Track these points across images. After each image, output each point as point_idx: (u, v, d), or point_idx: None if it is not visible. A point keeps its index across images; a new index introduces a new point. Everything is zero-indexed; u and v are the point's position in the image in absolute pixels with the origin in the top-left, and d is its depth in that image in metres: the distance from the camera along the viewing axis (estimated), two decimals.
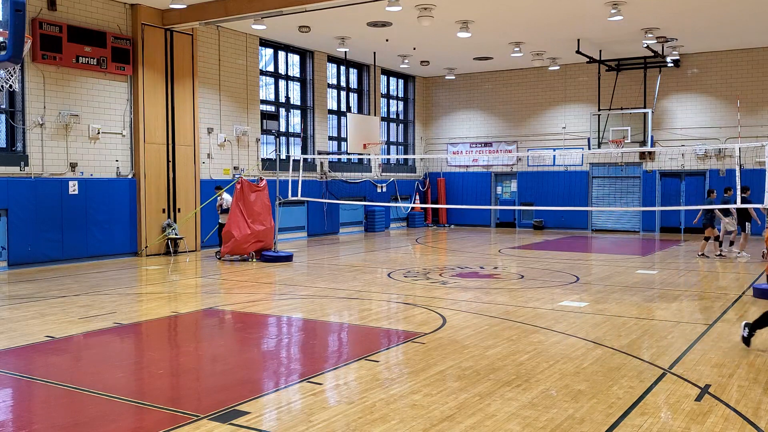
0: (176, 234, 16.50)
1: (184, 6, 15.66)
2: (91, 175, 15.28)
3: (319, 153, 21.97)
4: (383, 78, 25.21)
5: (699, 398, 5.70)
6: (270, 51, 20.57)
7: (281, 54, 20.88)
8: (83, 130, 15.11)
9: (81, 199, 14.96)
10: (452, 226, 26.04)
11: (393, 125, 26.21)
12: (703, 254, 15.80)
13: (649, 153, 22.43)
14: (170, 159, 16.80)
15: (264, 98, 20.24)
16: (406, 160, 26.97)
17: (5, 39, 8.63)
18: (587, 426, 5.06)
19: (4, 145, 14.13)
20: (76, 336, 8.08)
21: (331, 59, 22.54)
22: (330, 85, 22.79)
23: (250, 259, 15.39)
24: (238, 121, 18.95)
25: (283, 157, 19.01)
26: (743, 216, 15.96)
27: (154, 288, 11.74)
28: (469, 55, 22.40)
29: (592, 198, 23.94)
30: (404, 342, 7.73)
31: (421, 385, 6.06)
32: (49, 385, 6.12)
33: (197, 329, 8.93)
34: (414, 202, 26.24)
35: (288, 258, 15.35)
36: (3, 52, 8.70)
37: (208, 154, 18.05)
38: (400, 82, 26.38)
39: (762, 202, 10.96)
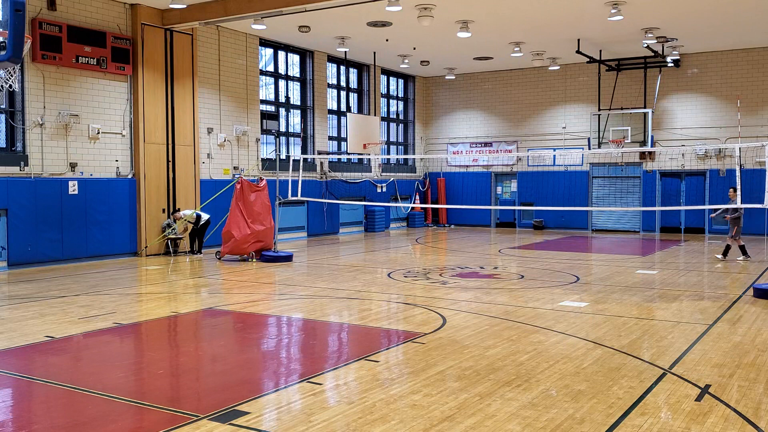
0: (176, 234, 16.49)
1: (184, 6, 15.66)
2: (91, 175, 15.28)
3: (319, 153, 21.96)
4: (383, 78, 25.20)
5: (699, 398, 5.70)
6: (270, 51, 20.57)
7: (281, 54, 20.88)
8: (83, 130, 15.11)
9: (81, 199, 14.95)
10: (452, 226, 26.03)
11: (393, 125, 26.20)
12: None
13: (649, 153, 22.43)
14: (170, 159, 16.80)
15: (264, 98, 20.23)
16: (406, 160, 26.97)
17: (5, 39, 8.63)
18: (587, 426, 5.06)
19: (4, 145, 14.13)
20: (76, 336, 8.07)
21: (331, 59, 22.54)
22: (330, 85, 22.79)
23: (249, 259, 15.39)
24: (238, 121, 18.95)
25: (283, 157, 19.01)
26: None
27: (154, 288, 11.74)
28: (469, 55, 22.39)
29: (592, 198, 23.94)
30: (404, 342, 7.73)
31: (421, 385, 6.06)
32: (49, 385, 6.11)
33: (197, 329, 8.92)
34: (414, 202, 26.23)
35: (288, 258, 15.35)
36: (3, 52, 8.70)
37: (208, 154, 18.05)
38: (400, 82, 26.38)
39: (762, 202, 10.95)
